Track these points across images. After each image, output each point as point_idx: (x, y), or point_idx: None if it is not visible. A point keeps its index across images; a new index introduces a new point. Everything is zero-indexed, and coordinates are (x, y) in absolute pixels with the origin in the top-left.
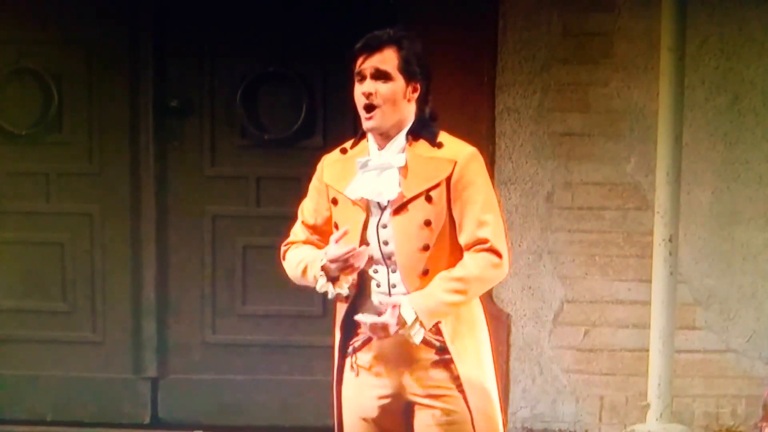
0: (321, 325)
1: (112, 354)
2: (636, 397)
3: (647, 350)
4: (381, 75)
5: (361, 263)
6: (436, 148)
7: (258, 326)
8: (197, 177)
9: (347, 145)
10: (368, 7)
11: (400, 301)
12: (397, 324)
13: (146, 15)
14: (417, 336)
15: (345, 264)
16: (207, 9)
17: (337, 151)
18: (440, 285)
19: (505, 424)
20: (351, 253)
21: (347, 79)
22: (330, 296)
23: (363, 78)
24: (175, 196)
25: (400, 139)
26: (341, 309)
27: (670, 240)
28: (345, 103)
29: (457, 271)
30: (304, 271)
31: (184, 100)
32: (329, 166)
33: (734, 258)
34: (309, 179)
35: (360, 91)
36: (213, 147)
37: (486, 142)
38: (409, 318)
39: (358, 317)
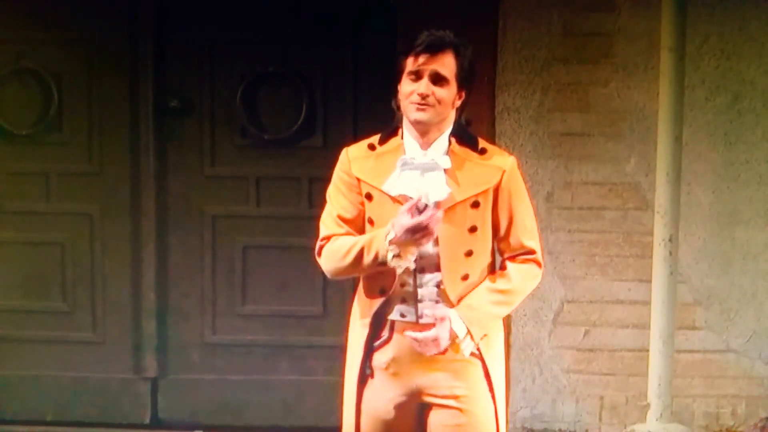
0: (321, 325)
1: (112, 354)
2: (636, 397)
3: (647, 350)
4: (439, 78)
5: (437, 226)
6: (479, 153)
7: (258, 326)
8: (197, 177)
9: (374, 141)
10: (368, 7)
11: (449, 314)
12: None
13: (146, 15)
14: (467, 349)
15: (424, 231)
16: (207, 9)
17: (363, 147)
18: (486, 297)
19: (506, 424)
20: (432, 217)
21: (347, 79)
22: (399, 271)
23: (419, 78)
24: (175, 196)
25: (443, 141)
26: (370, 306)
27: (670, 240)
28: (345, 103)
29: (503, 283)
30: (360, 254)
31: (184, 100)
32: (357, 160)
33: (734, 258)
34: (309, 179)
35: (413, 89)
36: (213, 147)
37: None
38: (460, 332)
39: (408, 333)
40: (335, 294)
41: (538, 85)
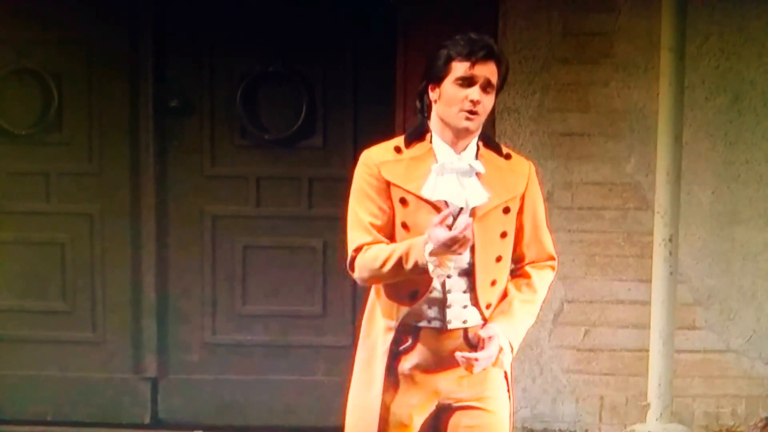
0: (321, 325)
1: (112, 354)
2: (636, 397)
3: (647, 350)
4: (488, 85)
5: (470, 236)
6: (504, 158)
7: (258, 326)
8: (197, 177)
9: (399, 143)
10: (368, 7)
11: (495, 332)
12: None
13: (146, 15)
14: (507, 362)
15: (462, 242)
16: (207, 9)
17: (389, 149)
18: (520, 309)
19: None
20: (467, 228)
21: (347, 79)
22: (440, 279)
23: (471, 84)
24: (175, 196)
25: (473, 145)
26: (397, 311)
27: (670, 240)
28: (345, 103)
29: (531, 294)
30: (399, 263)
31: (184, 100)
32: (386, 164)
33: (734, 258)
34: (309, 179)
35: (465, 96)
36: (213, 147)
37: None
38: (505, 347)
39: (459, 354)
40: (335, 294)
41: (538, 85)
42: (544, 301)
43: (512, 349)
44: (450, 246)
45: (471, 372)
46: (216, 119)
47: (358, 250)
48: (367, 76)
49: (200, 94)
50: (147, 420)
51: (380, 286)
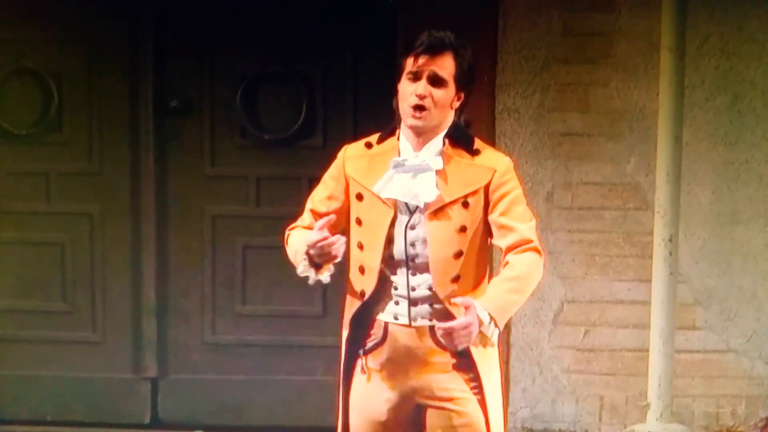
0: (321, 325)
1: (112, 354)
2: (636, 397)
3: (647, 350)
4: (438, 80)
5: (338, 253)
6: (472, 154)
7: (258, 326)
8: (197, 177)
9: (372, 139)
10: (368, 7)
11: (471, 302)
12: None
13: (146, 15)
14: (494, 336)
15: (322, 251)
16: (207, 8)
17: (361, 145)
18: (500, 286)
19: (505, 424)
20: (325, 242)
21: (347, 79)
22: (311, 282)
23: (417, 78)
24: (175, 196)
25: (437, 141)
26: (351, 307)
27: (670, 240)
28: (345, 103)
29: (509, 271)
30: (293, 254)
31: (184, 100)
32: (352, 159)
33: (734, 258)
34: (309, 179)
35: (412, 90)
36: (213, 147)
37: (486, 143)
38: (485, 319)
39: (438, 325)
40: (335, 294)
41: (538, 85)
42: (543, 300)
43: (494, 321)
44: (315, 251)
45: (455, 349)
46: (216, 119)
47: (293, 228)
48: (367, 76)
49: (200, 94)
50: (147, 420)
51: (348, 287)
